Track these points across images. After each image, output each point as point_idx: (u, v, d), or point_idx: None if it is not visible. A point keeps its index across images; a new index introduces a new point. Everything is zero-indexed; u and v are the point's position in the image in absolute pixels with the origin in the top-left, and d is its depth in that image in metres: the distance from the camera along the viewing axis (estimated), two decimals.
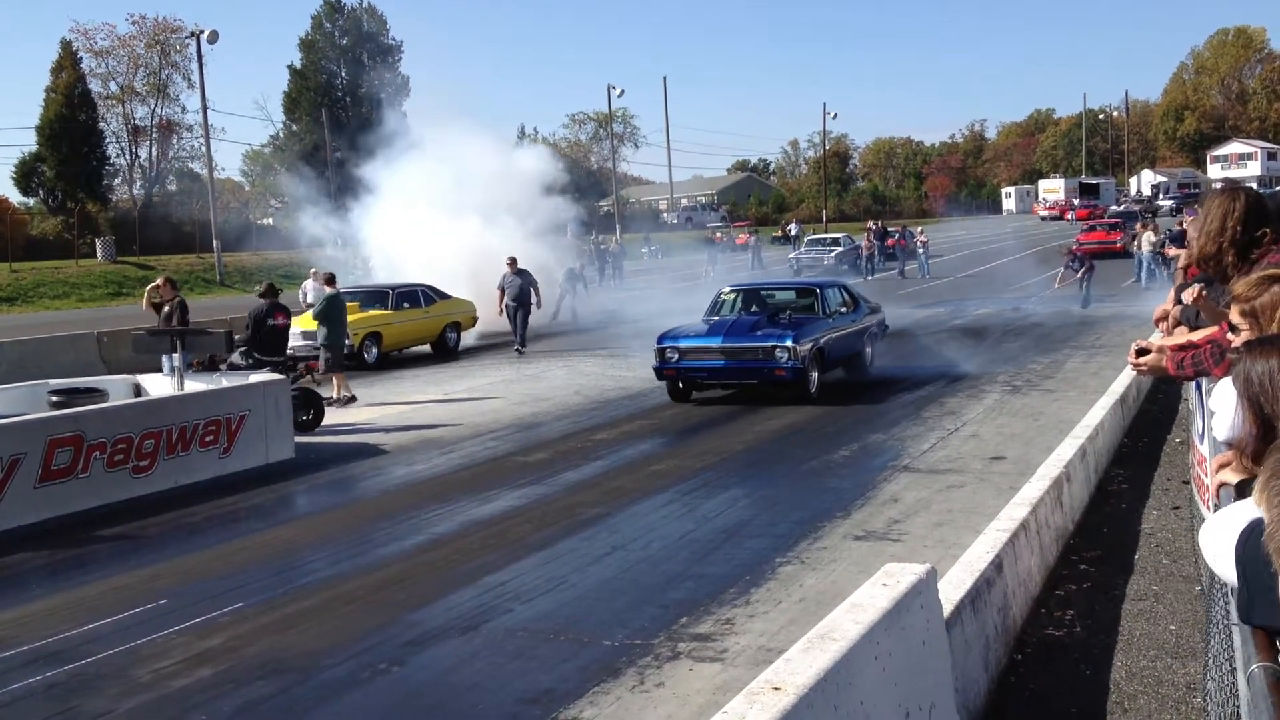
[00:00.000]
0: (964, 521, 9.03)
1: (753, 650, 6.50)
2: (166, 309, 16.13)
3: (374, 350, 22.02)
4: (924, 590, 4.61)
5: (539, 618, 7.26)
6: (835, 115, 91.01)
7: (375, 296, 23.42)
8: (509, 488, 11.17)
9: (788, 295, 17.84)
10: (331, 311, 17.28)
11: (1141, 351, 4.81)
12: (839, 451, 12.29)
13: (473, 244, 29.56)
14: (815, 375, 15.57)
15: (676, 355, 15.61)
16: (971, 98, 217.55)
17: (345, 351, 17.95)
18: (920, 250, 43.12)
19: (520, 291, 23.03)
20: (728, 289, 18.17)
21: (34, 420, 10.69)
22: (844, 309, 17.17)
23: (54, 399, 12.31)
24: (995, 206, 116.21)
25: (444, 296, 24.93)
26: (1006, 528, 6.54)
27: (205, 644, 6.96)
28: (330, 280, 18.34)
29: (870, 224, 52.33)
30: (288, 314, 15.53)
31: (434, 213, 30.49)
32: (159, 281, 16.80)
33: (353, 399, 16.83)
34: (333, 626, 7.26)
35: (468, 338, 25.52)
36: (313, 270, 26.84)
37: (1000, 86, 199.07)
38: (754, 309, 17.00)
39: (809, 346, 15.37)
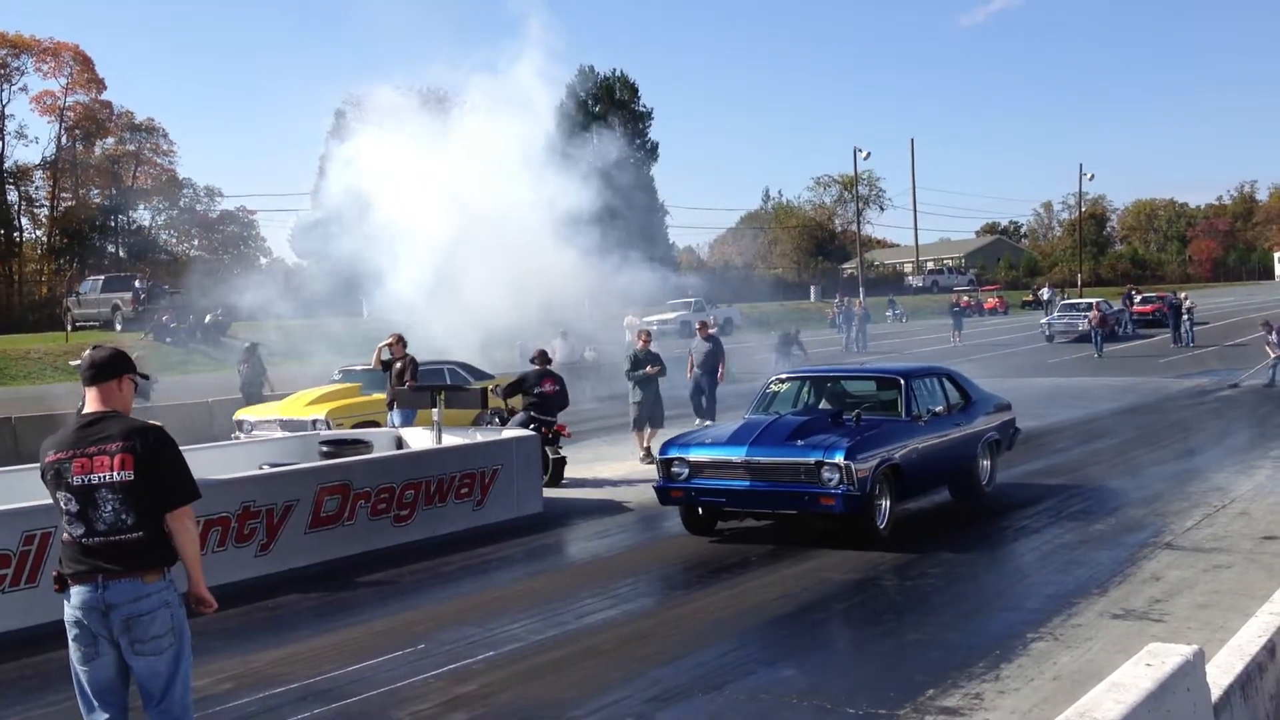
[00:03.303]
0: (1231, 604, 8.56)
1: None
2: (398, 365, 16.07)
3: None
4: (1191, 672, 4.42)
5: (782, 681, 7.25)
6: (1092, 176, 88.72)
7: (381, 379, 17.46)
8: (754, 549, 11.18)
9: (863, 387, 13.07)
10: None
11: None
12: (1094, 525, 11.80)
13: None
14: (885, 504, 11.10)
15: (685, 470, 11.28)
16: (1241, 157, 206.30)
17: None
18: (1185, 317, 41.06)
19: (707, 359, 20.27)
20: (781, 376, 13.50)
21: (307, 469, 11.44)
22: (943, 409, 12.48)
23: (324, 449, 13.10)
24: (1266, 272, 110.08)
25: (483, 375, 20.47)
26: None
27: (460, 689, 7.23)
28: (649, 338, 18.11)
29: (1130, 289, 50.43)
30: (555, 380, 15.93)
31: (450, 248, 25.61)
32: (390, 339, 16.42)
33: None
34: (580, 678, 7.43)
35: None
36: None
37: (1273, 145, 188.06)
38: (812, 405, 12.58)
39: (873, 463, 10.74)
